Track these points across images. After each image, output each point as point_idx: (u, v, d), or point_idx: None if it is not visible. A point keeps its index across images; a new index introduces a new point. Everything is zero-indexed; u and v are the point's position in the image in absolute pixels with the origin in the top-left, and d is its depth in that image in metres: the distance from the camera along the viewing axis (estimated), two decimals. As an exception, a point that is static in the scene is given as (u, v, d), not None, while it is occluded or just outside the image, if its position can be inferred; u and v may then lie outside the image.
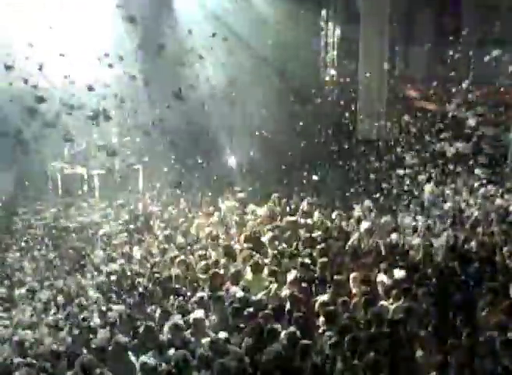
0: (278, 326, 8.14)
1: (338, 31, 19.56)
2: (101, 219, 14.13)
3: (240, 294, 9.33)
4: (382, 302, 9.06)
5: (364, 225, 12.01)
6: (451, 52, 16.98)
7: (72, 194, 15.83)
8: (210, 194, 15.43)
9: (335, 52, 19.93)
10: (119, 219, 14.18)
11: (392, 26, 17.97)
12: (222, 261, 10.74)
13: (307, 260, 10.35)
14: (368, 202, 13.73)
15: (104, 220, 14.23)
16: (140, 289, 9.84)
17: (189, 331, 8.25)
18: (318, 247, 10.92)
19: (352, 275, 9.70)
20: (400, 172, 15.83)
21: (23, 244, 13.14)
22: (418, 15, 18.95)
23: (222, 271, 10.23)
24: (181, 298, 9.52)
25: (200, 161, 16.88)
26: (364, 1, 18.44)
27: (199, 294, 9.37)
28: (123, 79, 13.40)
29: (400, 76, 18.28)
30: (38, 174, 15.97)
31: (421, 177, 15.37)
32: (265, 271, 10.15)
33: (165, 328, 8.32)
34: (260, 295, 9.41)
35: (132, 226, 13.50)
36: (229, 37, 15.89)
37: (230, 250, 11.29)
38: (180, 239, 12.33)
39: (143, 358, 7.61)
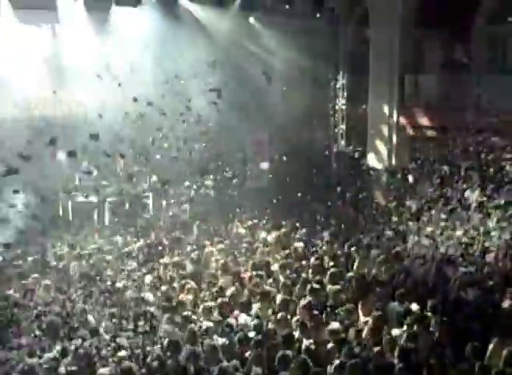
0: (289, 352, 8.06)
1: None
2: (111, 246, 14.11)
3: (248, 322, 9.32)
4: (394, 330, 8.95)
5: (374, 253, 11.99)
6: (462, 79, 17.08)
7: (84, 222, 15.82)
8: (221, 221, 15.42)
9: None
10: (130, 245, 14.18)
11: (401, 52, 18.08)
12: (232, 289, 10.69)
13: (317, 287, 10.32)
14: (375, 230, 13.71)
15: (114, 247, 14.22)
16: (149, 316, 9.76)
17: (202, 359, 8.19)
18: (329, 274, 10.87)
19: (362, 303, 9.65)
20: (410, 202, 15.78)
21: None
22: (428, 43, 19.09)
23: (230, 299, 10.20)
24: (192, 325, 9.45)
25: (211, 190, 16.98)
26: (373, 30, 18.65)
27: (207, 322, 9.32)
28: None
29: (410, 105, 18.29)
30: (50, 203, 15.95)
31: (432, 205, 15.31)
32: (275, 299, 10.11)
33: (181, 356, 8.26)
34: (269, 323, 9.35)
35: (144, 253, 13.47)
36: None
37: (239, 277, 11.26)
38: (190, 266, 12.28)
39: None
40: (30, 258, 12.83)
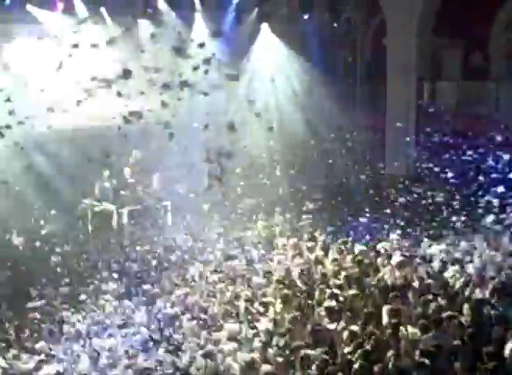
0: (311, 352, 8.05)
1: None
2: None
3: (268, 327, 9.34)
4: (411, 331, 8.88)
5: (396, 258, 11.94)
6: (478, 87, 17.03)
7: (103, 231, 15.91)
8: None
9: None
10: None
11: (419, 61, 18.06)
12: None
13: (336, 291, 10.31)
14: (396, 236, 13.62)
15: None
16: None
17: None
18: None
19: (384, 307, 9.61)
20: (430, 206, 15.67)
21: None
22: (446, 51, 19.07)
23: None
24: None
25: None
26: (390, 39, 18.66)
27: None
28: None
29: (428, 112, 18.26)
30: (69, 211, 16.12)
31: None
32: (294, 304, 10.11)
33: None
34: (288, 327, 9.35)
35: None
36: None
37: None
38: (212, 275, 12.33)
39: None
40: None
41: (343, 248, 12.85)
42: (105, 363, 9.15)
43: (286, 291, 10.61)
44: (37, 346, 9.80)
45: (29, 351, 9.67)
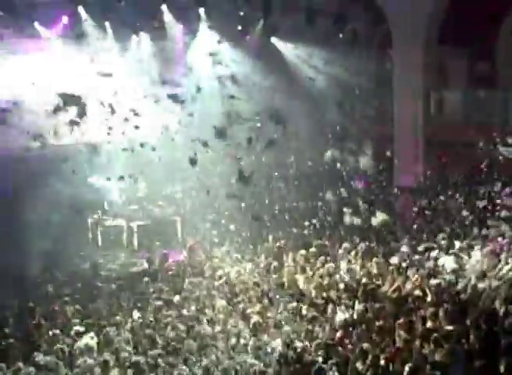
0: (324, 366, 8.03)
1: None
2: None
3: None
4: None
5: (410, 271, 11.88)
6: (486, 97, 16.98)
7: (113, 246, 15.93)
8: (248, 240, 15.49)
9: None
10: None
11: (425, 70, 18.05)
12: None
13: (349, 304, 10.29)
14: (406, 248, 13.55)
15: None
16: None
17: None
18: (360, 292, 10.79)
19: (398, 321, 9.54)
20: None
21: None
22: (452, 60, 19.04)
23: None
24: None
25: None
26: (396, 50, 18.66)
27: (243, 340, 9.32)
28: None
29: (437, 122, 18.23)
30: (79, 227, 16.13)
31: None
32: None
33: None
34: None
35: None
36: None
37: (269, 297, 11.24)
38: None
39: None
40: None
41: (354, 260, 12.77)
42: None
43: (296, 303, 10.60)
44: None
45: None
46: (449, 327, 9.23)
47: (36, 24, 16.03)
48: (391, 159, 18.94)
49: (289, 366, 8.53)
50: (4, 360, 9.38)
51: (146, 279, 13.15)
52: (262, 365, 8.78)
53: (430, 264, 12.54)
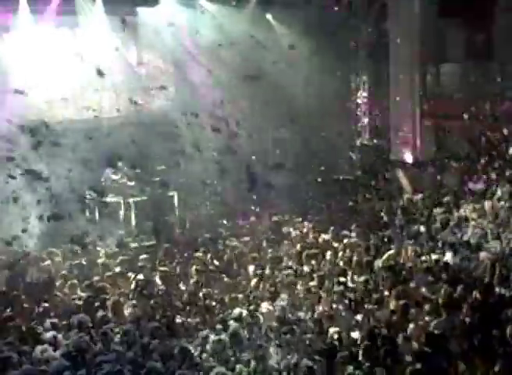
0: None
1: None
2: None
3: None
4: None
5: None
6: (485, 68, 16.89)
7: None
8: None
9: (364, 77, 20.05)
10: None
11: (422, 43, 17.91)
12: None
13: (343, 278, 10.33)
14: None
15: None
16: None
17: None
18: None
19: (394, 291, 9.59)
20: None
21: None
22: (449, 32, 18.86)
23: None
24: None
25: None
26: (393, 23, 18.51)
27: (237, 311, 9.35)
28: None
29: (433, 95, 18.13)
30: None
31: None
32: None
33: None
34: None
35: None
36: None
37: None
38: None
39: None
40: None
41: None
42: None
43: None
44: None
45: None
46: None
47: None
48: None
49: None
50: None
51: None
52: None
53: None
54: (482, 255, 11.15)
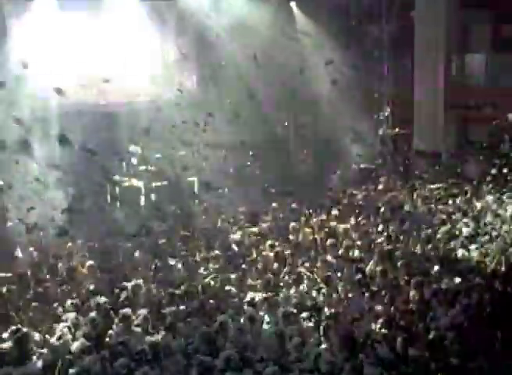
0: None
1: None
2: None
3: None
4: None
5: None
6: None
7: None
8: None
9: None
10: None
11: (447, 33, 17.75)
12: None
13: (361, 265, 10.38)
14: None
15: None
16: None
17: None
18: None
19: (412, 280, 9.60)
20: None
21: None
22: (475, 22, 18.67)
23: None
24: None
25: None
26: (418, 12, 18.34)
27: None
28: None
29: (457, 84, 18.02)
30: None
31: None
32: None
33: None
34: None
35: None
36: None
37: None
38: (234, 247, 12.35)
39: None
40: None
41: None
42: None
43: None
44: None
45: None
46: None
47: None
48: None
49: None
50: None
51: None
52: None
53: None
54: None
